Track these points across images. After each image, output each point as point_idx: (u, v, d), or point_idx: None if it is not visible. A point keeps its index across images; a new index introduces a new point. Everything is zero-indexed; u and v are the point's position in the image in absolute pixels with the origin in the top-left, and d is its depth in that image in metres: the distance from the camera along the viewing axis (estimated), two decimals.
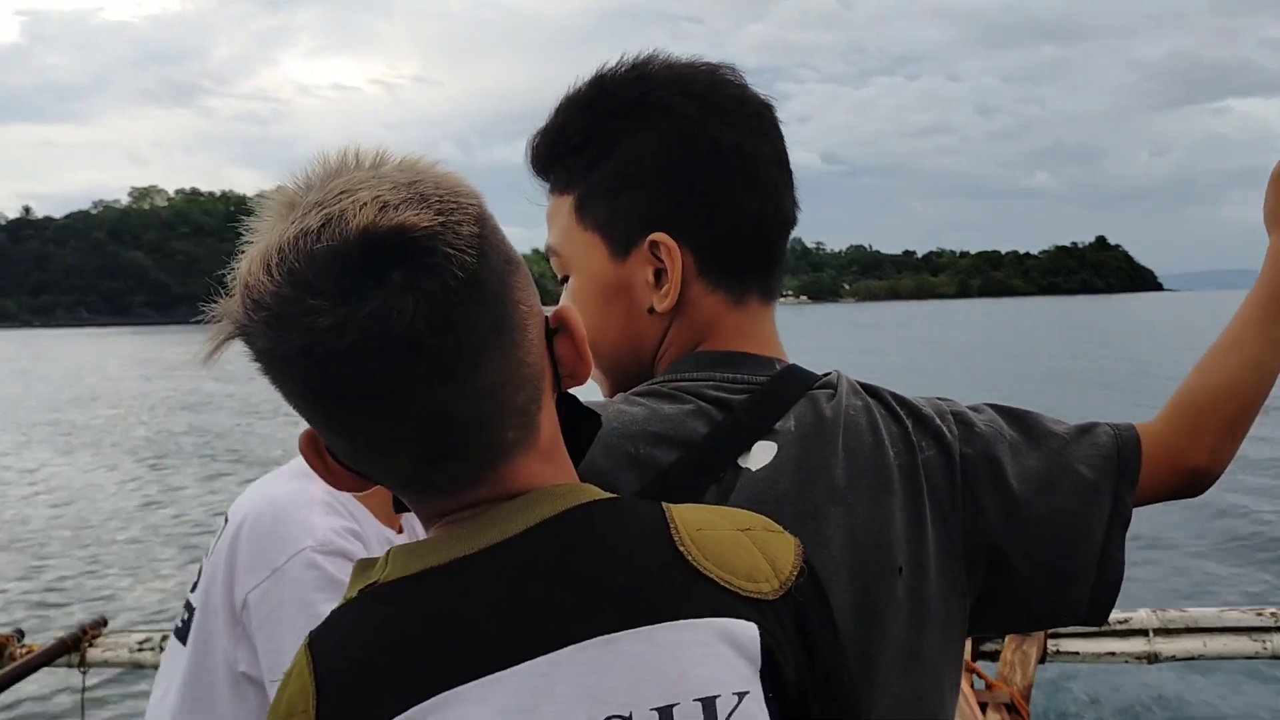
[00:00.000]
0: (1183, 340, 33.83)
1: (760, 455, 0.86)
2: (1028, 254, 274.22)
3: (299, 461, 1.42)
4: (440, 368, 0.65)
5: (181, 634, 1.40)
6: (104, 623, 2.83)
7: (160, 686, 1.40)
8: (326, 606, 1.26)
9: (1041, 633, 2.77)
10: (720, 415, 0.87)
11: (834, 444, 0.88)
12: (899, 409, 0.93)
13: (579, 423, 0.78)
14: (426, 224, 0.63)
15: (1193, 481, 1.00)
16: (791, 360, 0.96)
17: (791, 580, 0.72)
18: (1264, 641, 2.70)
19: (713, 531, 0.72)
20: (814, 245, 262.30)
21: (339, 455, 0.71)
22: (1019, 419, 0.98)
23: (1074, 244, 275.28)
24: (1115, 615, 2.80)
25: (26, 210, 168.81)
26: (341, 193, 0.65)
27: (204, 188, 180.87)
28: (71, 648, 2.71)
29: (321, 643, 0.70)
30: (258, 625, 1.28)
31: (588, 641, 0.66)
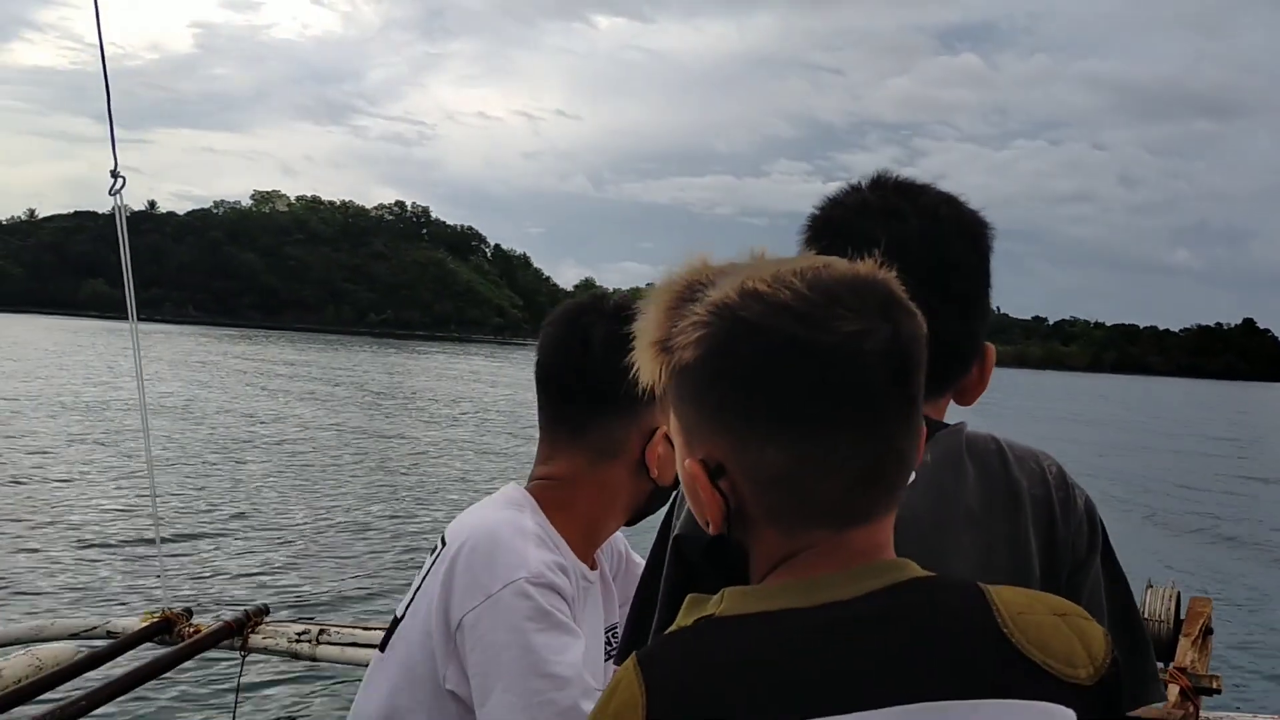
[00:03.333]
0: None
1: None
2: (1167, 331, 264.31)
3: (511, 491, 1.55)
4: (908, 398, 0.78)
5: (384, 644, 1.51)
6: (267, 610, 2.92)
7: (365, 692, 1.49)
8: (536, 635, 1.36)
9: None
10: None
11: (965, 471, 1.04)
12: (1026, 448, 1.10)
13: None
14: (903, 286, 0.80)
15: None
16: None
17: (1105, 667, 0.77)
18: None
19: (1032, 616, 0.77)
20: None
21: (757, 475, 0.78)
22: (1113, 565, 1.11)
23: (1219, 324, 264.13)
24: (1268, 719, 2.72)
25: (151, 205, 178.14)
26: (808, 258, 0.81)
27: (345, 200, 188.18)
28: (236, 632, 2.80)
29: (653, 662, 0.76)
30: (470, 647, 1.36)
31: (920, 705, 0.72)
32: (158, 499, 3.72)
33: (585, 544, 1.56)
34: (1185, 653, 3.03)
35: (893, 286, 0.78)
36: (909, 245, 1.09)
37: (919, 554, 0.91)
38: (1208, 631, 3.12)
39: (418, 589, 1.48)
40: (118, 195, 2.86)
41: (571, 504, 1.53)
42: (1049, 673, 0.74)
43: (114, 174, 2.88)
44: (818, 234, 1.16)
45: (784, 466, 0.76)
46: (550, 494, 1.53)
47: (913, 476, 0.94)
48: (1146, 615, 3.38)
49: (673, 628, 0.80)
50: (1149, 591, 3.44)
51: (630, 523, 1.60)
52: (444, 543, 1.48)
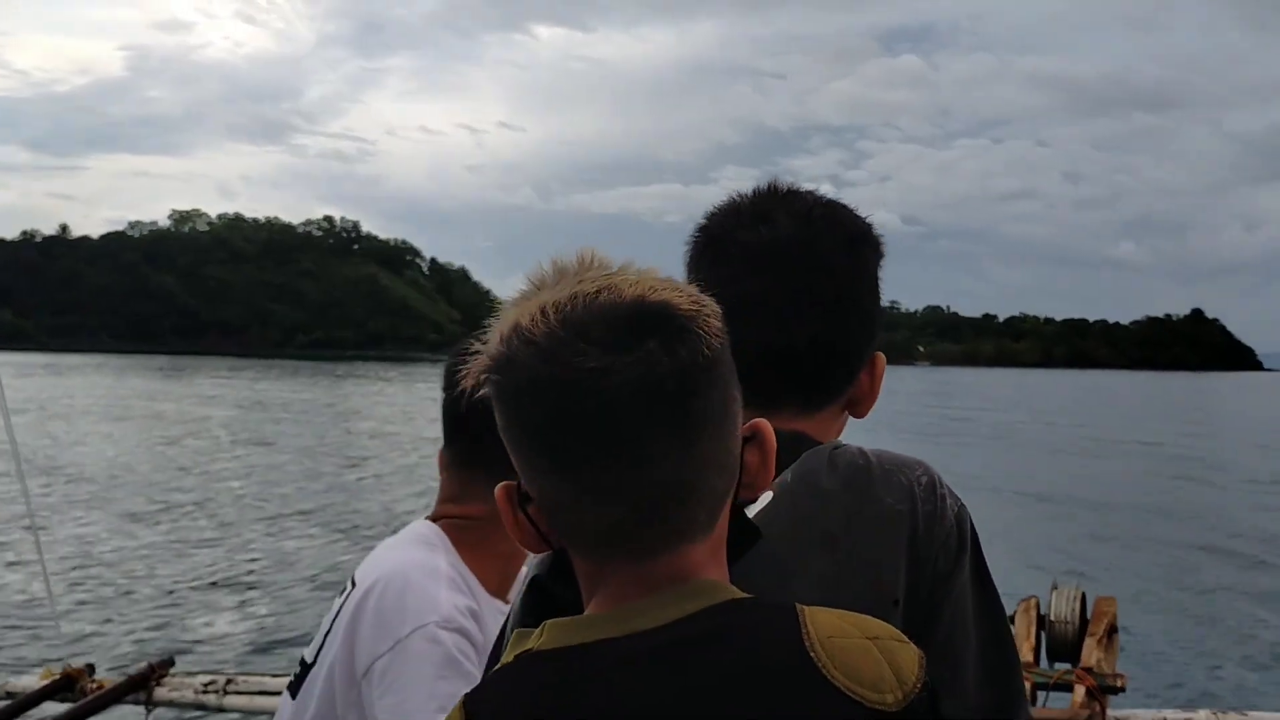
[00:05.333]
0: None
1: (757, 505, 1.00)
2: (1116, 324, 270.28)
3: (422, 529, 1.56)
4: (678, 428, 0.78)
5: (294, 687, 1.52)
6: (171, 662, 2.96)
7: None
8: (444, 682, 1.34)
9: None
10: None
11: (824, 490, 1.02)
12: (897, 460, 1.07)
13: (738, 532, 0.88)
14: (687, 307, 0.79)
15: None
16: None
17: (915, 692, 0.79)
18: None
19: (843, 640, 0.80)
20: (888, 304, 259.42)
21: (542, 504, 0.82)
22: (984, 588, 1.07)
23: (1167, 315, 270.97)
24: (1173, 714, 2.86)
25: (63, 228, 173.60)
26: (609, 274, 0.82)
27: (287, 219, 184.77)
28: (141, 685, 2.84)
29: (476, 700, 0.81)
30: (379, 695, 1.38)
31: None
32: (44, 551, 3.69)
33: (502, 580, 1.57)
34: (1091, 652, 3.20)
35: (661, 311, 0.78)
36: (780, 249, 1.11)
37: (769, 577, 0.94)
38: (1113, 630, 3.28)
39: (327, 632, 1.49)
40: None
41: (484, 542, 1.54)
42: (853, 699, 0.77)
43: None
44: (695, 243, 1.17)
45: (556, 498, 0.81)
46: (464, 532, 1.54)
47: (769, 497, 1.00)
48: (1052, 617, 3.54)
49: (499, 664, 0.85)
50: (1054, 593, 3.59)
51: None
52: (353, 584, 1.49)
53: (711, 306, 0.81)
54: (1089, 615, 3.39)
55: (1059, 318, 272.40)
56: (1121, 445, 30.25)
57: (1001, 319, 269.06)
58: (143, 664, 2.91)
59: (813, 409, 1.13)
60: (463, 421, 1.55)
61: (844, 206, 1.19)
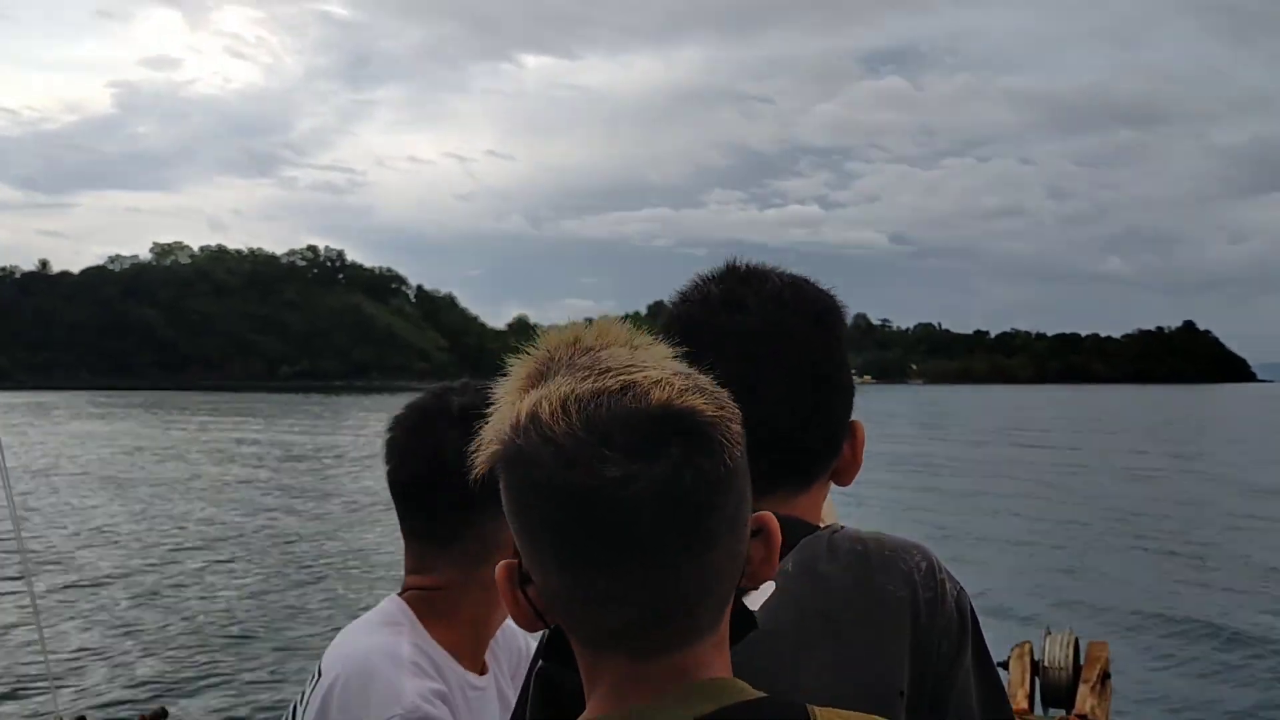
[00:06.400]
0: None
1: (759, 595, 0.99)
2: (1109, 338, 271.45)
3: (388, 608, 1.56)
4: (693, 539, 0.77)
5: None
6: (164, 714, 2.98)
7: None
8: None
9: None
10: None
11: (824, 578, 1.05)
12: (897, 543, 1.09)
13: (736, 619, 0.89)
14: (712, 414, 0.78)
15: None
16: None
17: None
18: None
19: None
20: (879, 322, 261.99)
21: (544, 592, 0.81)
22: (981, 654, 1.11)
23: (1159, 329, 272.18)
24: None
25: (43, 264, 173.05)
26: (629, 364, 0.80)
27: (254, 247, 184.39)
28: None
29: None
30: None
31: None
32: (39, 607, 3.71)
33: (473, 649, 1.58)
34: (1085, 699, 3.22)
35: (688, 418, 0.77)
36: (754, 336, 1.14)
37: (773, 669, 0.94)
38: (1105, 676, 3.31)
39: (296, 716, 1.49)
40: None
41: (453, 612, 1.54)
42: None
43: None
44: (669, 332, 1.16)
45: (559, 593, 0.80)
46: (430, 605, 1.54)
47: (771, 587, 0.98)
48: (1046, 662, 3.56)
49: None
50: (1047, 639, 3.61)
51: None
52: (320, 673, 1.50)
53: (733, 410, 0.80)
54: (1082, 661, 3.42)
55: (1050, 333, 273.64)
56: (1123, 468, 30.21)
57: (993, 335, 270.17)
58: (135, 716, 2.93)
59: (803, 487, 1.16)
60: (412, 498, 1.55)
61: (808, 282, 1.22)
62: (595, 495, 0.75)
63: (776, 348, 1.15)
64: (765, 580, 0.88)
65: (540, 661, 1.07)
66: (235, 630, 10.95)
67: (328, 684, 1.46)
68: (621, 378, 0.78)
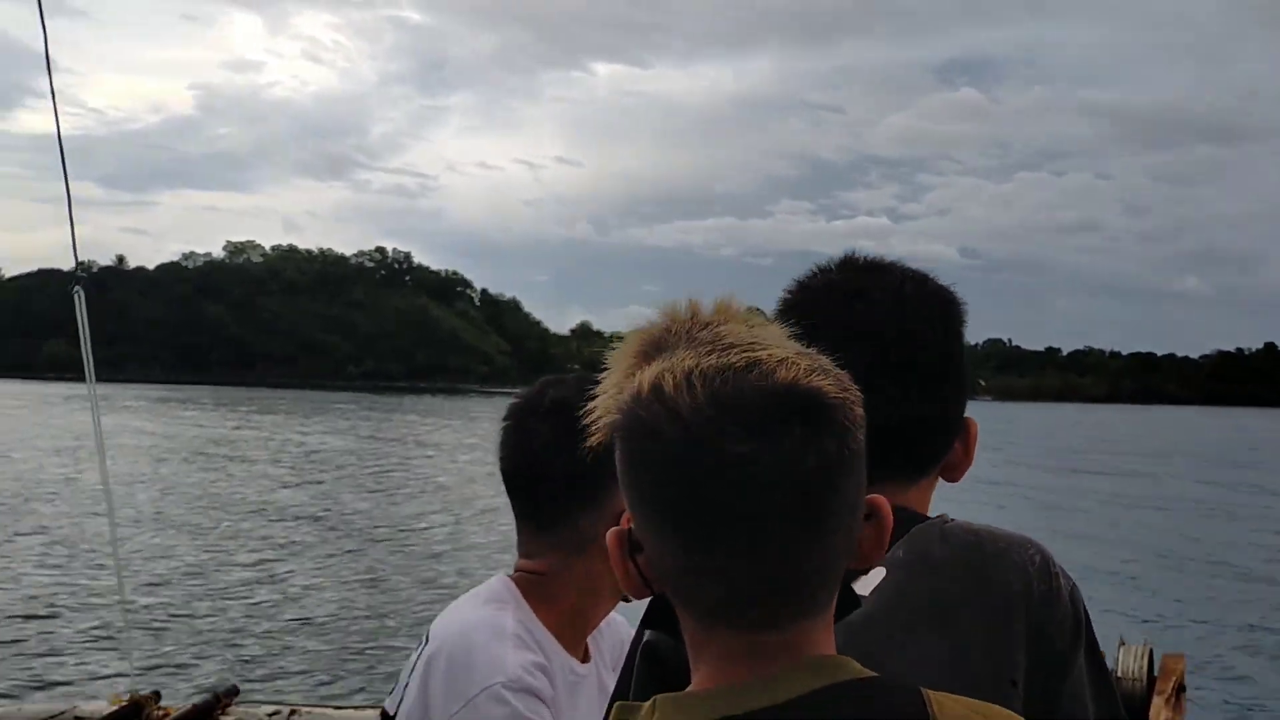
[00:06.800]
0: None
1: (869, 580, 1.03)
2: (1186, 358, 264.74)
3: (496, 586, 1.62)
4: (811, 519, 0.77)
5: None
6: (236, 691, 3.05)
7: None
8: None
9: None
10: None
11: (937, 568, 1.06)
12: (1009, 537, 1.10)
13: (839, 602, 0.89)
14: (836, 395, 0.78)
15: None
16: None
17: None
18: None
19: None
20: None
21: (656, 563, 0.81)
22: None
23: (1239, 350, 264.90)
24: None
25: (120, 260, 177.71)
26: (752, 341, 0.80)
27: (324, 248, 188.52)
28: (205, 714, 2.93)
29: None
30: None
31: None
32: (124, 579, 3.84)
33: (574, 635, 1.63)
34: (1159, 712, 3.16)
35: (813, 399, 0.77)
36: (875, 325, 1.15)
37: (878, 653, 0.92)
38: (1181, 689, 3.24)
39: (405, 685, 1.56)
40: (77, 295, 3.02)
41: (556, 597, 1.60)
42: None
43: (75, 275, 3.04)
44: (785, 318, 1.17)
45: (673, 564, 0.80)
46: (534, 588, 1.60)
47: (881, 573, 1.02)
48: (1119, 674, 3.51)
49: None
50: (1121, 650, 3.56)
51: (626, 599, 1.63)
52: (427, 640, 1.57)
53: (856, 394, 0.81)
54: (1156, 673, 3.35)
55: (1125, 351, 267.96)
56: (1200, 489, 29.52)
57: (1065, 352, 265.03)
58: (208, 693, 3.00)
59: (914, 479, 1.18)
60: (514, 487, 1.62)
61: (929, 277, 1.24)
62: (717, 471, 0.75)
63: (898, 338, 1.16)
64: (875, 563, 0.88)
65: (644, 634, 1.09)
66: (316, 614, 11.21)
67: (432, 651, 1.52)
68: (746, 355, 0.78)
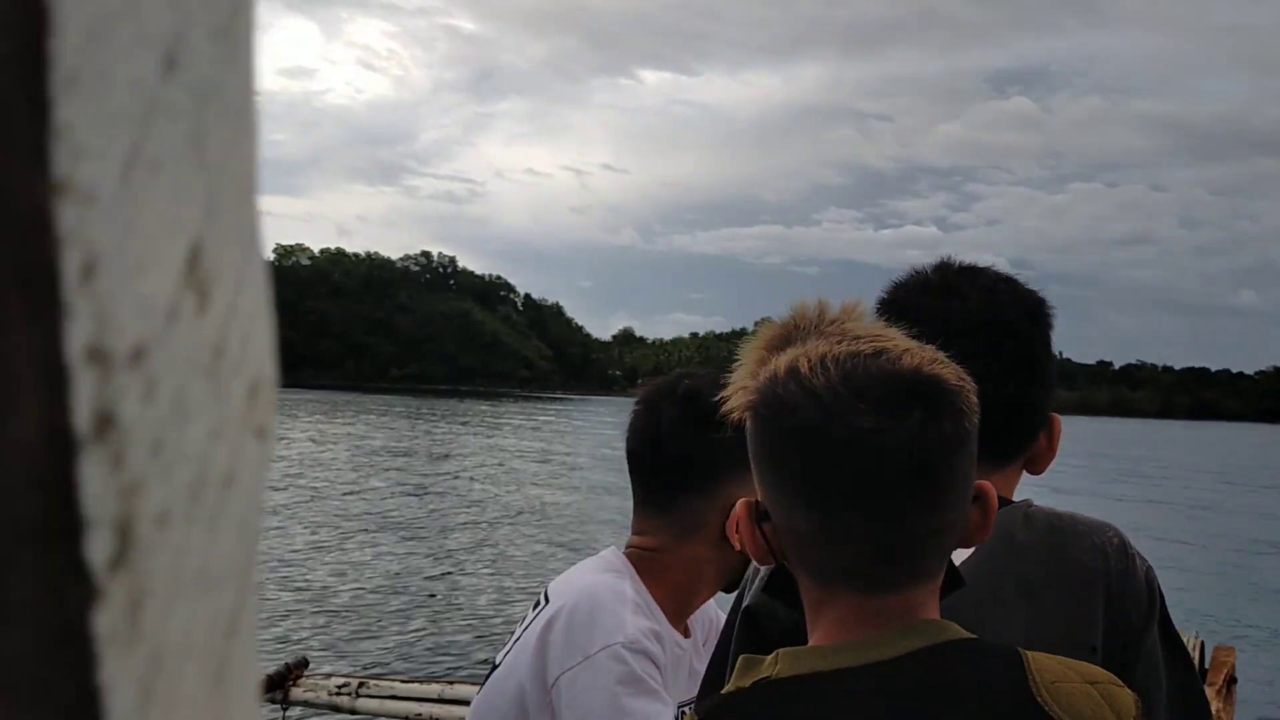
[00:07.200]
0: None
1: (960, 553, 1.10)
2: (1241, 373, 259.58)
3: (610, 556, 1.71)
4: (930, 491, 0.86)
5: (484, 683, 1.69)
6: (306, 663, 3.18)
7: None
8: (628, 699, 1.49)
9: None
10: None
11: (1021, 545, 1.13)
12: (1088, 521, 1.18)
13: (944, 580, 0.97)
14: (955, 383, 0.88)
15: None
16: None
17: None
18: None
19: (1066, 685, 0.86)
20: None
21: (784, 530, 0.90)
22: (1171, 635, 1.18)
23: None
24: None
25: None
26: (879, 334, 0.90)
27: (371, 251, 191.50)
28: (277, 685, 3.05)
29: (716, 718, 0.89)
30: (565, 705, 1.52)
31: None
32: None
33: (679, 612, 1.71)
34: (1210, 703, 3.20)
35: (934, 384, 0.86)
36: (969, 318, 1.23)
37: (965, 621, 0.97)
38: (1232, 681, 3.28)
39: (517, 639, 1.64)
40: None
41: (664, 574, 1.68)
42: None
43: None
44: (882, 316, 1.24)
45: (806, 532, 0.88)
46: (645, 563, 1.68)
47: (966, 553, 1.09)
48: None
49: (729, 688, 0.91)
50: None
51: (728, 590, 1.70)
52: (546, 599, 1.64)
53: (971, 384, 0.89)
54: (1207, 665, 3.39)
55: (1177, 366, 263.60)
56: (1258, 496, 29.07)
57: (1117, 366, 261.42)
58: (280, 664, 3.12)
59: (1000, 467, 1.24)
60: (634, 467, 1.70)
61: (1018, 281, 1.33)
62: (849, 443, 0.84)
63: (992, 334, 1.23)
64: (979, 543, 0.96)
65: (745, 602, 1.18)
66: (374, 587, 11.44)
67: (554, 609, 1.58)
68: (874, 344, 0.88)
